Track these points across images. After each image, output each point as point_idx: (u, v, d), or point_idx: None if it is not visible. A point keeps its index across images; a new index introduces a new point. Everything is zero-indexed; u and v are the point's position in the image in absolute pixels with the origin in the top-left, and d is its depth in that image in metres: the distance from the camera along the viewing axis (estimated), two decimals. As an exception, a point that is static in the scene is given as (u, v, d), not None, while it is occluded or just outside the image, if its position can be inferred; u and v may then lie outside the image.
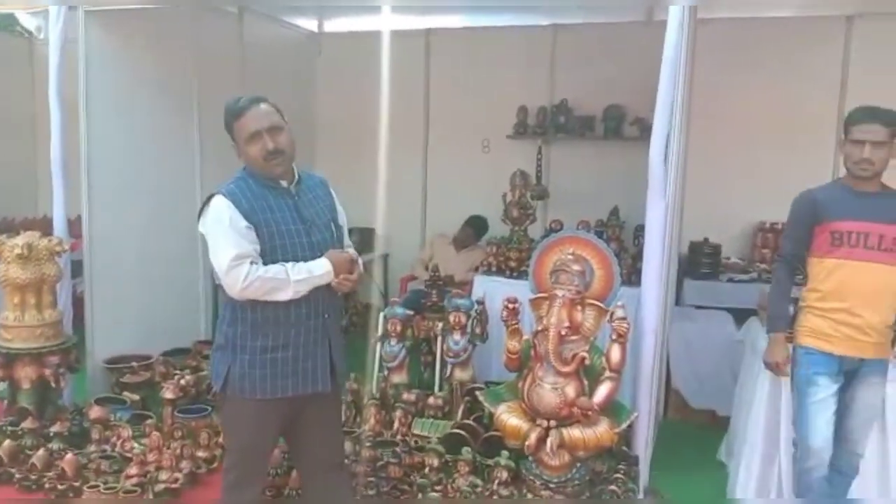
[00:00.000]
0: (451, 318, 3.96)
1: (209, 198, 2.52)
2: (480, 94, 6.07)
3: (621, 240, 4.98)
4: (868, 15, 5.25)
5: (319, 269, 2.50)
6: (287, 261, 2.49)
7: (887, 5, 4.97)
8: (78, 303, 4.35)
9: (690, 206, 4.95)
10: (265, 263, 2.47)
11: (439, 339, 4.06)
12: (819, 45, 5.36)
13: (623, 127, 5.82)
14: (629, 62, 4.82)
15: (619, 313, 2.96)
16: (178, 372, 4.07)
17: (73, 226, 4.40)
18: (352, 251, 2.70)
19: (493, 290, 4.43)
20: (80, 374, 4.21)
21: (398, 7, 5.57)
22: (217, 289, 4.93)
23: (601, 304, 3.07)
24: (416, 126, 6.37)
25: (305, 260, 2.52)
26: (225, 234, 2.44)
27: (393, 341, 4.03)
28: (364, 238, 5.96)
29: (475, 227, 5.77)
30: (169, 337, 4.68)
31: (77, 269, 4.40)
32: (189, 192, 4.89)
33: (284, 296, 2.46)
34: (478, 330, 4.03)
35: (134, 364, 4.28)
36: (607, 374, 2.93)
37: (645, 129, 4.81)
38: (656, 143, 3.15)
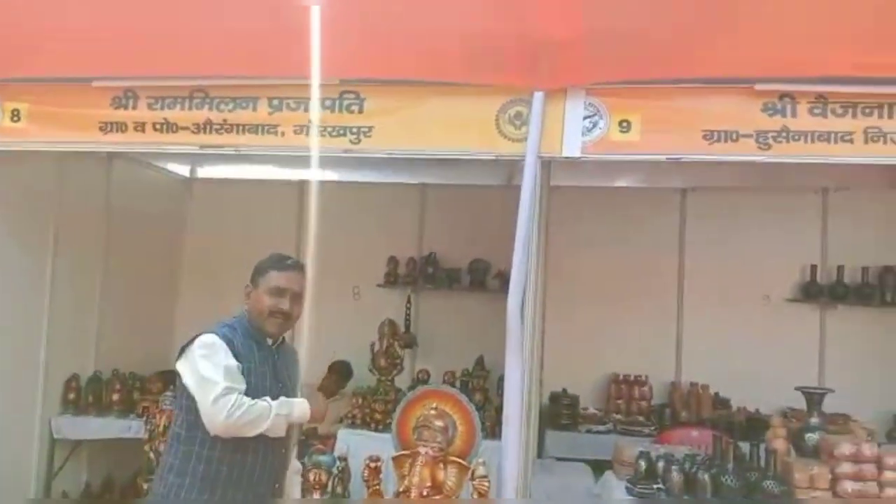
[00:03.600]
0: (311, 477, 3.81)
1: (195, 337, 2.57)
2: (352, 243, 6.21)
3: (486, 390, 5.08)
4: (699, 189, 5.94)
5: (299, 411, 2.57)
6: None
7: (715, 179, 5.65)
8: None
9: (550, 358, 5.16)
10: None
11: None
12: (660, 214, 5.98)
13: (487, 279, 6.10)
14: (492, 220, 5.12)
15: (481, 471, 2.98)
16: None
17: None
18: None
19: (358, 445, 4.33)
20: None
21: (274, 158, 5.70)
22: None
23: (463, 462, 3.08)
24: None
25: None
26: (216, 367, 2.48)
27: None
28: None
29: (339, 372, 5.69)
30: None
31: None
32: (35, 335, 4.61)
33: (263, 426, 2.47)
34: (339, 489, 3.88)
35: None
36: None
37: (506, 283, 5.04)
38: (513, 297, 3.31)
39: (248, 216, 6.25)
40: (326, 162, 5.35)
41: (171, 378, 5.45)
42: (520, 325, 3.32)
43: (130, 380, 5.41)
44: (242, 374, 2.53)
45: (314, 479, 3.80)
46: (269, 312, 2.63)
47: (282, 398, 2.56)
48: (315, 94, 3.21)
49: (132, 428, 4.99)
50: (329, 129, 3.32)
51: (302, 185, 6.39)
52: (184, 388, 2.58)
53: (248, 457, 2.55)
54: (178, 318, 6.34)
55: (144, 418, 4.62)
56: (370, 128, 3.29)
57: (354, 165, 5.65)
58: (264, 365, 2.61)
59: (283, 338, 2.78)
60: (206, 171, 6.61)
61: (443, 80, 3.26)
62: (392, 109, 3.30)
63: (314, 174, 6.07)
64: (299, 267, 2.75)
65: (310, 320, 6.46)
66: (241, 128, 3.44)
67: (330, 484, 3.85)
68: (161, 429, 4.13)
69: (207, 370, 2.49)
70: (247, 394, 2.51)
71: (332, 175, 6.07)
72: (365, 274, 6.23)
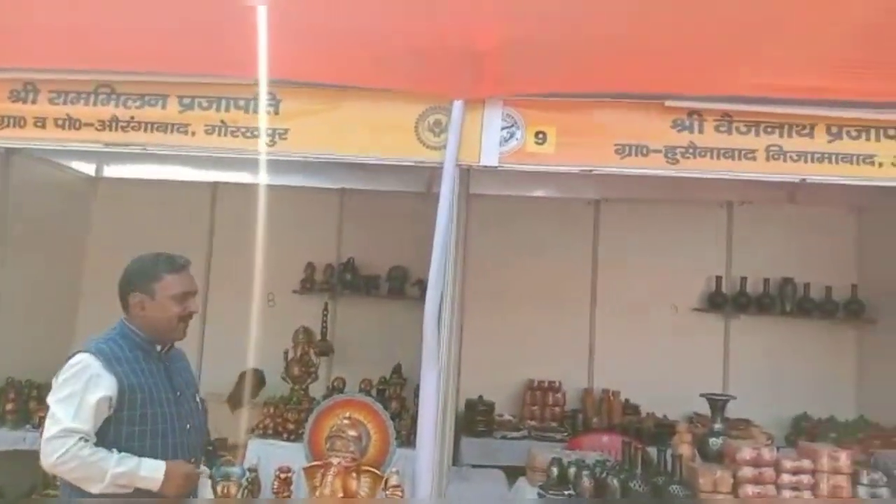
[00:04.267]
0: (219, 489, 3.68)
1: (73, 354, 2.38)
2: (267, 248, 6.06)
3: (403, 398, 5.05)
4: (612, 200, 6.11)
5: (147, 471, 2.33)
6: (157, 430, 2.38)
7: (626, 191, 5.82)
8: None
9: (467, 366, 5.18)
10: (134, 431, 2.34)
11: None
12: (574, 224, 6.12)
13: (406, 287, 6.08)
14: (411, 227, 5.10)
15: (394, 480, 2.96)
16: None
17: None
18: (201, 469, 2.58)
19: (269, 455, 4.22)
20: None
21: (185, 159, 5.53)
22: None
23: (377, 471, 3.05)
24: (197, 273, 6.07)
25: (174, 431, 2.42)
26: (69, 399, 2.30)
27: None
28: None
29: (251, 381, 5.53)
30: None
31: None
32: None
33: (94, 488, 2.27)
34: (248, 500, 3.77)
35: None
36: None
37: (425, 290, 5.06)
38: (430, 304, 3.30)
39: (157, 218, 6.00)
40: (240, 164, 5.26)
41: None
42: (436, 332, 3.32)
43: (27, 388, 5.12)
44: (129, 394, 2.35)
45: (222, 492, 3.69)
46: (179, 318, 2.50)
47: (129, 457, 2.33)
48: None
49: (27, 439, 4.72)
50: (243, 130, 3.24)
51: (215, 187, 6.24)
52: None
53: (154, 440, 2.40)
54: (80, 323, 6.04)
55: (40, 429, 4.36)
56: (286, 130, 3.22)
57: (270, 168, 5.53)
58: (156, 375, 2.46)
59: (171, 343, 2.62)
60: (112, 171, 6.34)
61: (362, 84, 3.23)
62: (309, 112, 3.25)
63: (227, 176, 6.03)
64: (188, 262, 2.64)
65: (221, 328, 6.32)
66: (149, 126, 3.31)
67: (239, 495, 3.74)
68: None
69: (59, 400, 2.34)
70: (138, 410, 2.36)
71: (246, 177, 5.92)
72: (281, 280, 6.10)
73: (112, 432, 2.36)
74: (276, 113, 3.23)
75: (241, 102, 3.26)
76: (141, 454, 2.36)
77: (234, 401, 5.48)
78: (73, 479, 2.29)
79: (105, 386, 2.33)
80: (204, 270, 6.21)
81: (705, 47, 3.23)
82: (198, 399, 2.62)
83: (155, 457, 2.37)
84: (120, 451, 2.35)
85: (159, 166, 5.86)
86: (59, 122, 3.34)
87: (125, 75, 3.32)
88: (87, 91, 3.34)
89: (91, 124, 3.33)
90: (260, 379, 5.57)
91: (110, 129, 3.33)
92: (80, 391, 2.31)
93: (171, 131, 3.31)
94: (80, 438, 2.28)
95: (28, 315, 5.34)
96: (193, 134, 3.29)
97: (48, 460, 2.27)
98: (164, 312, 2.50)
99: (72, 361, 2.38)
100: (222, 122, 3.25)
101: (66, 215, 5.90)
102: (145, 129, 3.32)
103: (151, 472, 2.34)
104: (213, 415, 5.34)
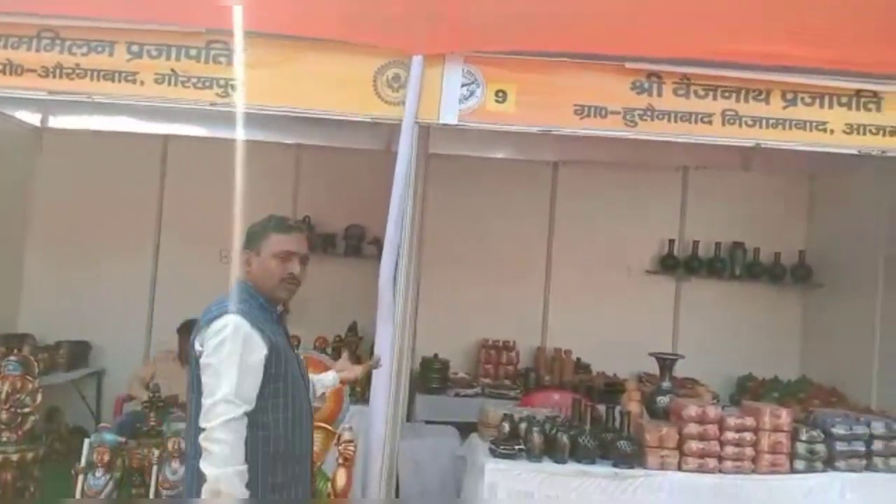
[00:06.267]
0: (170, 445, 3.65)
1: (215, 316, 2.28)
2: (220, 204, 5.93)
3: (358, 355, 5.03)
4: (570, 162, 6.12)
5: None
6: (290, 392, 2.36)
7: (585, 154, 5.84)
8: None
9: (423, 325, 5.20)
10: (276, 390, 2.31)
11: (154, 468, 3.71)
12: (532, 186, 6.13)
13: (363, 245, 6.04)
14: (370, 185, 5.05)
15: (347, 436, 2.96)
16: None
17: None
18: None
19: (221, 412, 4.19)
20: None
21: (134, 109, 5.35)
22: None
23: (329, 427, 3.05)
24: (147, 229, 6.06)
25: (302, 394, 2.44)
26: (231, 362, 2.23)
27: (98, 472, 3.60)
28: (75, 352, 5.38)
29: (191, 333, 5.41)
30: None
31: None
32: None
33: (209, 468, 2.19)
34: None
35: None
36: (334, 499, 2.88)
37: (382, 249, 5.05)
38: (386, 263, 3.29)
39: (105, 171, 5.85)
40: (192, 116, 5.12)
41: (15, 342, 5.08)
42: (391, 291, 3.32)
43: (-30, 338, 4.97)
44: (274, 354, 2.30)
45: (173, 448, 3.66)
46: (281, 278, 2.41)
47: (243, 478, 2.23)
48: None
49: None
50: (195, 81, 3.14)
51: (166, 140, 6.06)
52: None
53: (300, 428, 2.39)
54: (26, 278, 5.89)
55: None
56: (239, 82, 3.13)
57: (223, 121, 5.38)
58: (280, 336, 2.40)
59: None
60: (59, 121, 6.09)
61: (319, 36, 3.15)
62: (264, 64, 3.16)
63: (179, 129, 5.86)
64: (301, 228, 2.59)
65: (173, 284, 6.20)
66: (95, 74, 3.19)
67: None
68: (3, 395, 3.82)
69: (221, 362, 2.23)
70: (281, 367, 2.32)
71: (198, 130, 5.76)
72: (234, 237, 5.98)
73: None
74: (229, 63, 3.13)
75: (193, 52, 3.16)
76: (277, 416, 2.32)
77: (185, 356, 5.38)
78: (208, 448, 2.19)
79: (260, 346, 2.28)
80: (154, 226, 6.08)
81: (666, 10, 3.23)
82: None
83: (284, 420, 2.34)
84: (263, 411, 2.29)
85: (108, 117, 5.66)
86: (0, 68, 3.19)
87: (70, 20, 3.19)
88: (30, 35, 3.19)
89: (34, 70, 3.19)
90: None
91: (54, 77, 3.20)
92: (240, 353, 2.23)
93: (119, 80, 3.19)
94: (245, 413, 2.21)
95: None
96: (142, 83, 3.18)
97: (209, 423, 2.18)
98: (265, 270, 2.42)
99: (220, 323, 2.26)
100: (173, 71, 3.14)
101: (10, 167, 5.69)
102: (91, 78, 3.20)
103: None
104: (165, 371, 5.32)
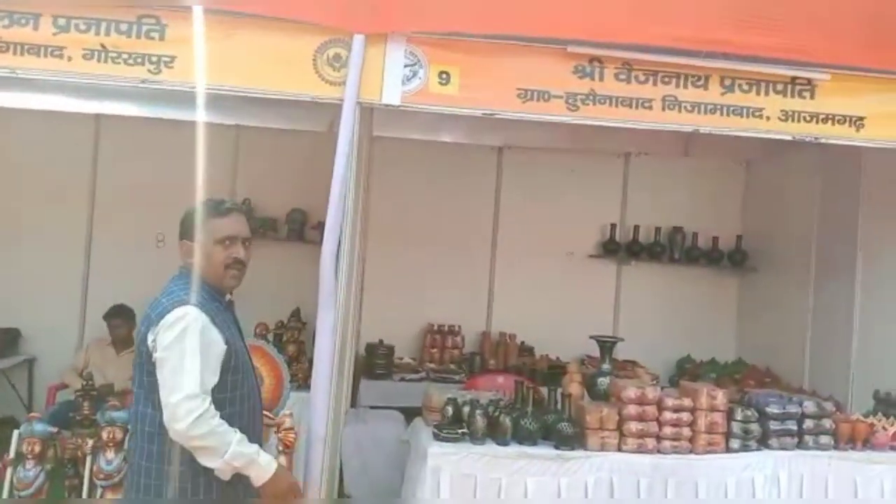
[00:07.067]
0: (105, 434, 3.53)
1: (168, 309, 2.17)
2: (156, 187, 5.76)
3: (301, 341, 4.98)
4: (515, 147, 6.14)
5: (265, 461, 2.23)
6: (243, 385, 2.28)
7: (528, 140, 5.87)
8: None
9: (368, 310, 5.16)
10: (233, 383, 2.22)
11: (88, 459, 3.59)
12: (478, 170, 6.15)
13: (306, 230, 5.94)
14: (312, 168, 4.96)
15: (287, 423, 2.92)
16: None
17: None
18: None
19: (158, 400, 4.08)
20: None
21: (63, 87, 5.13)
22: None
23: (269, 414, 2.99)
24: (79, 211, 5.83)
25: (252, 387, 2.36)
26: (192, 356, 2.11)
27: (29, 465, 3.46)
28: (4, 339, 5.16)
29: (123, 316, 5.20)
30: None
31: None
32: None
33: (212, 462, 2.13)
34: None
35: None
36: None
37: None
38: (327, 246, 3.22)
39: (33, 152, 5.60)
40: (125, 94, 4.92)
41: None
42: (333, 275, 3.25)
43: None
44: (227, 348, 2.21)
45: (108, 437, 3.55)
46: (225, 265, 2.31)
47: (244, 438, 2.20)
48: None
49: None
50: (125, 57, 3.00)
51: (98, 120, 5.84)
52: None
53: (253, 419, 2.33)
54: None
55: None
56: (172, 58, 3.01)
57: (158, 100, 5.21)
58: (231, 326, 2.30)
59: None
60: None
61: (257, 12, 3.05)
62: (198, 40, 3.03)
63: (111, 107, 5.64)
64: (240, 208, 2.48)
65: (107, 268, 6.01)
66: (18, 48, 3.01)
67: (126, 441, 3.60)
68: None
69: (183, 356, 2.14)
70: (233, 361, 2.24)
71: (131, 109, 5.56)
72: (171, 220, 5.74)
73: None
74: (162, 39, 3.01)
75: (124, 26, 3.01)
76: (233, 409, 2.25)
77: (119, 343, 5.21)
78: (194, 448, 2.12)
79: (217, 340, 2.20)
80: (87, 209, 5.87)
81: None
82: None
83: (240, 414, 2.27)
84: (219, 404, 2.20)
85: (35, 94, 5.40)
86: (-88, 40, 2.99)
87: (-11, -11, 3.01)
88: (-55, 6, 3.00)
89: (-50, 43, 3.01)
90: (131, 313, 5.22)
91: (-27, 50, 3.02)
92: (198, 346, 2.14)
93: (45, 55, 3.03)
94: (211, 403, 2.12)
95: None
96: (70, 59, 3.02)
97: (179, 425, 2.08)
98: (208, 258, 2.32)
99: (175, 315, 2.17)
100: (102, 46, 3.00)
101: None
102: (14, 52, 3.02)
103: (266, 463, 2.24)
104: (100, 359, 5.15)
